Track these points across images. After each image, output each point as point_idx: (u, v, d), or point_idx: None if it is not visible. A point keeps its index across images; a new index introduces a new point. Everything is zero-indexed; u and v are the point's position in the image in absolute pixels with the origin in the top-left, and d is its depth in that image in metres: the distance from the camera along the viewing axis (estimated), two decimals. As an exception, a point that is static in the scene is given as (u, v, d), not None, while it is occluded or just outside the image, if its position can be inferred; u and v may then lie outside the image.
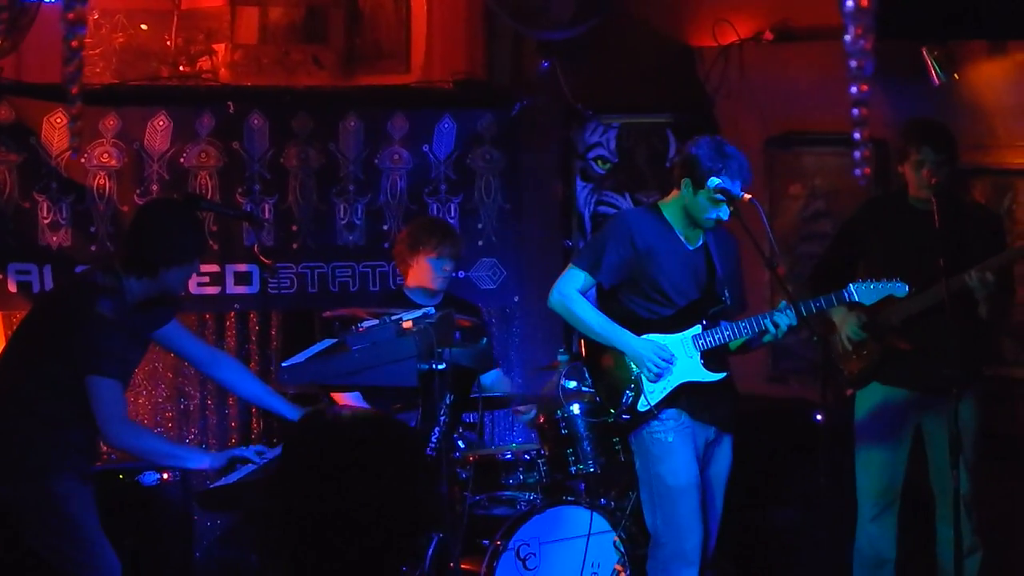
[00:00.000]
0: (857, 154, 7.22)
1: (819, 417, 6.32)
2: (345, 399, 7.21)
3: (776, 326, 6.37)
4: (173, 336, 6.31)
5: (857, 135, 7.22)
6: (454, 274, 7.72)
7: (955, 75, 7.62)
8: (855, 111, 7.06)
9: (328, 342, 6.10)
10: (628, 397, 6.49)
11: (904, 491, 7.22)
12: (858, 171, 7.24)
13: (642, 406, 6.47)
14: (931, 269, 6.66)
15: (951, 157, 6.95)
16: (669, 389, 6.48)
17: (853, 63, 6.90)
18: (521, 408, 7.60)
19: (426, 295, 7.51)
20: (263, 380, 6.68)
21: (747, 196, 6.33)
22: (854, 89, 6.99)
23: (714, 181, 6.31)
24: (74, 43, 6.94)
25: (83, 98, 7.09)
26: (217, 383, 7.01)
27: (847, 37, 6.87)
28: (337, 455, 3.46)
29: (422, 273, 7.53)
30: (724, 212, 6.41)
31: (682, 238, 6.55)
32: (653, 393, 6.46)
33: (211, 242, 7.88)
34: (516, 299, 8.70)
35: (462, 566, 6.73)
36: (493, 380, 7.71)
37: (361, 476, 3.43)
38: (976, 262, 6.80)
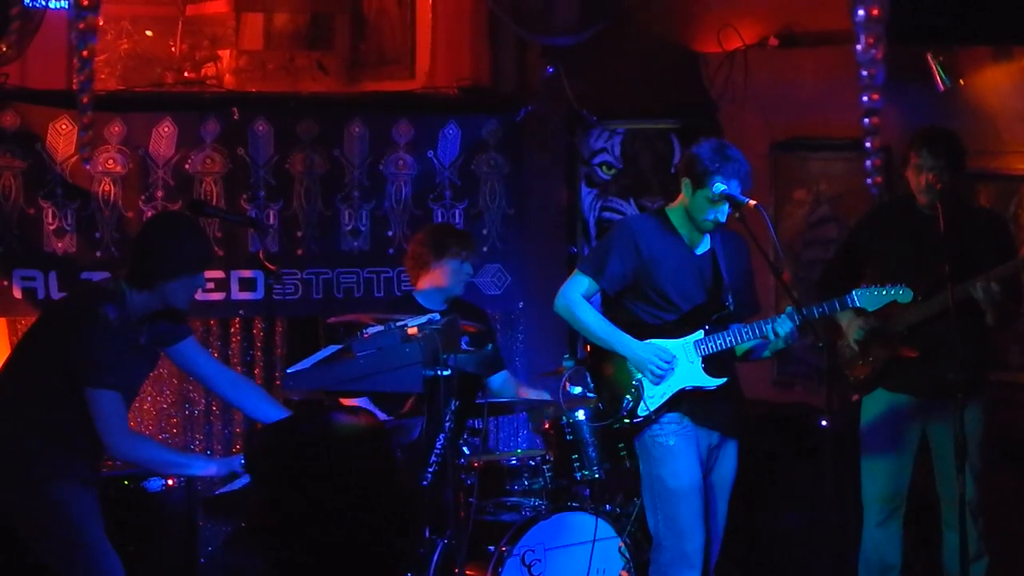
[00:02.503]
0: (868, 163, 7.23)
1: (824, 422, 6.30)
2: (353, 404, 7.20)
3: (777, 333, 6.36)
4: (190, 355, 6.25)
5: (868, 144, 7.24)
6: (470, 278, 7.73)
7: (960, 80, 7.62)
8: (866, 120, 7.07)
9: (333, 348, 6.10)
10: (628, 402, 6.49)
11: (910, 497, 7.21)
12: (870, 180, 7.25)
13: (641, 411, 6.47)
14: (938, 274, 6.65)
15: (951, 163, 6.91)
16: (669, 394, 6.47)
17: (864, 73, 6.91)
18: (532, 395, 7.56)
19: (439, 298, 7.48)
20: (270, 388, 6.66)
21: (752, 202, 6.32)
22: (865, 98, 7.00)
23: (719, 187, 6.31)
24: (85, 53, 6.95)
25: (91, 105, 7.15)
26: (238, 409, 6.97)
27: (858, 47, 6.88)
28: (299, 463, 3.47)
29: (443, 276, 7.47)
30: (722, 214, 6.40)
31: (688, 243, 6.54)
32: (653, 399, 6.46)
33: (216, 248, 7.88)
34: (521, 305, 8.70)
35: (467, 572, 6.72)
36: (501, 382, 7.70)
37: (330, 481, 3.44)
38: (984, 266, 6.79)
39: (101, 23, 7.91)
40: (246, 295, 8.15)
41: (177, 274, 5.90)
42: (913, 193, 7.07)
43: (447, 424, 6.21)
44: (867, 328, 7.07)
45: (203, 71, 9.21)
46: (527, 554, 6.99)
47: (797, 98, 8.52)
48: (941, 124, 7.20)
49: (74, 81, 7.24)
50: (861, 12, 6.88)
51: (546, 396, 7.49)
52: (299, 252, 8.25)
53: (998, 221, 7.31)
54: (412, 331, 5.92)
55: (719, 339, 6.47)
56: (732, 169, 6.33)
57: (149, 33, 9.36)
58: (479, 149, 8.58)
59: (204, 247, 6.20)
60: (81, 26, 6.98)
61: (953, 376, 6.52)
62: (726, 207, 6.36)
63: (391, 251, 8.36)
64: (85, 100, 7.14)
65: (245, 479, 5.99)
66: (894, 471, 7.15)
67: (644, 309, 6.52)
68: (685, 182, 6.45)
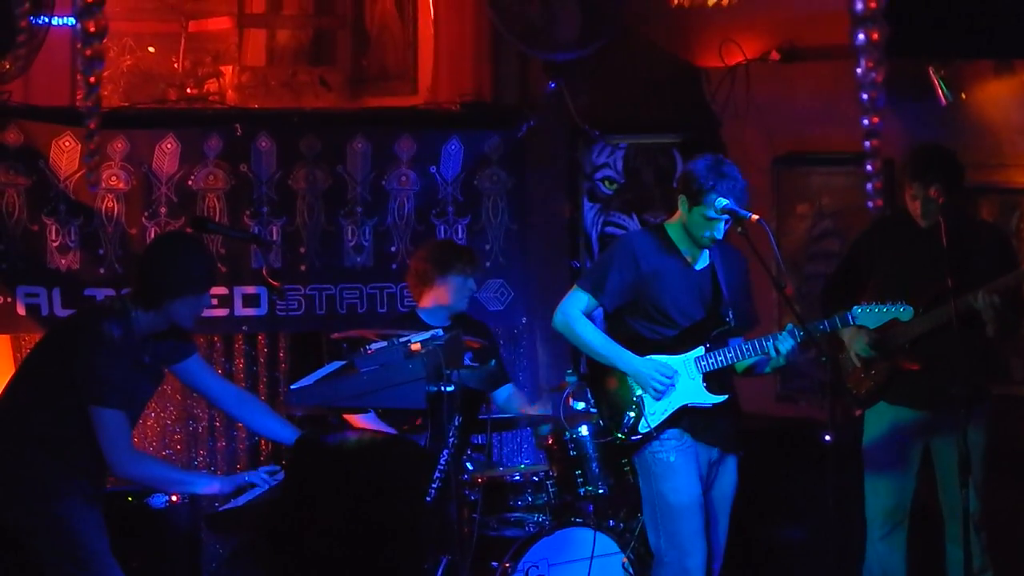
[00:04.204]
0: (869, 186, 7.24)
1: (827, 437, 6.31)
2: (360, 421, 7.20)
3: (778, 351, 6.37)
4: (195, 371, 6.26)
5: (869, 167, 7.25)
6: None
7: (961, 94, 7.62)
8: (867, 143, 7.08)
9: (337, 364, 6.10)
10: (629, 418, 6.50)
11: (913, 510, 7.21)
12: (871, 203, 7.25)
13: (643, 428, 6.48)
14: (939, 287, 6.66)
15: (945, 191, 6.89)
16: (670, 411, 6.48)
17: (865, 95, 6.92)
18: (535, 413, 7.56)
19: (443, 315, 7.48)
20: (273, 405, 6.66)
21: (754, 216, 6.33)
22: (866, 121, 7.01)
23: (721, 201, 6.32)
24: (92, 79, 6.94)
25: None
26: (243, 425, 6.98)
27: (859, 70, 6.90)
28: (339, 479, 3.47)
29: (447, 293, 7.47)
30: (719, 231, 6.42)
31: (687, 258, 6.55)
32: (654, 415, 6.47)
33: (219, 264, 7.88)
34: (524, 320, 8.70)
35: (471, 587, 6.73)
36: (507, 396, 7.69)
37: (362, 499, 3.44)
38: (985, 280, 6.80)
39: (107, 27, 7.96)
40: (250, 311, 8.15)
41: (182, 294, 5.91)
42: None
43: (451, 440, 6.21)
44: (871, 344, 7.06)
45: (206, 87, 9.21)
46: (531, 570, 6.99)
47: (799, 112, 8.53)
48: (935, 142, 7.16)
49: (79, 99, 7.24)
50: (861, 36, 6.89)
51: (548, 413, 7.49)
52: (302, 268, 8.25)
53: (999, 234, 7.32)
54: (415, 347, 5.91)
55: (720, 355, 6.47)
56: (727, 187, 6.33)
57: (152, 49, 9.37)
58: (482, 164, 8.58)
59: (209, 267, 6.20)
60: (88, 52, 6.96)
61: (956, 390, 6.53)
62: (722, 224, 6.38)
63: (394, 267, 8.36)
64: (92, 126, 7.13)
65: (248, 496, 6.00)
66: (897, 485, 7.16)
67: (644, 325, 6.53)
68: (682, 199, 6.47)
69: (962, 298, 6.71)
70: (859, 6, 6.83)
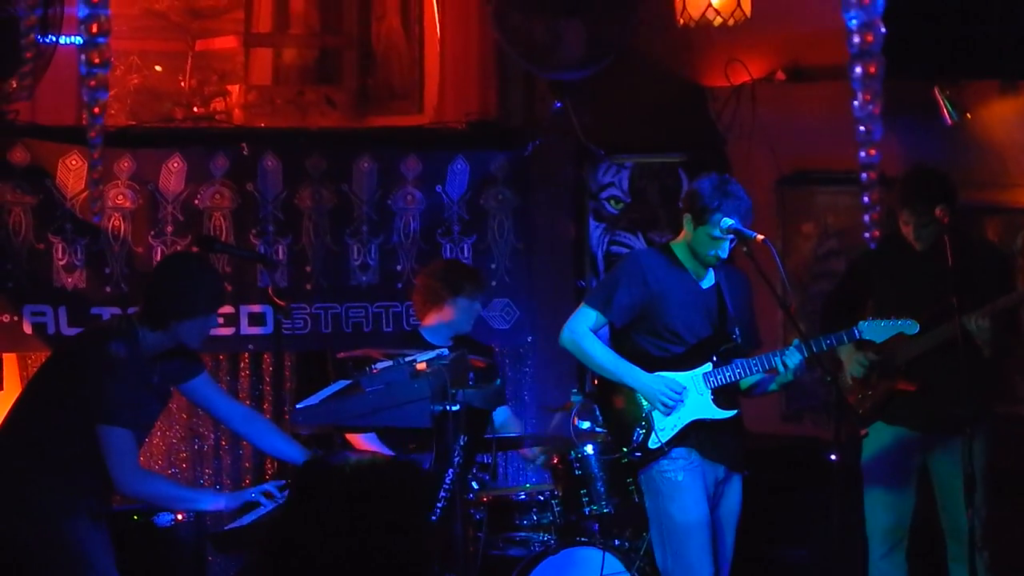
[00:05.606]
0: (867, 218, 7.24)
1: (833, 456, 6.32)
2: (361, 441, 7.20)
3: (786, 365, 6.38)
4: (202, 391, 6.26)
5: (867, 199, 7.25)
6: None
7: (967, 114, 7.63)
8: (864, 176, 7.08)
9: (342, 383, 6.10)
10: (639, 435, 6.51)
11: (915, 528, 7.20)
12: (867, 235, 7.26)
13: (653, 443, 6.48)
14: (937, 307, 6.67)
15: (946, 211, 6.85)
16: (680, 426, 6.49)
17: (862, 128, 6.93)
18: (528, 453, 7.59)
19: (446, 335, 7.47)
20: (279, 423, 6.66)
21: (760, 236, 6.34)
22: (863, 154, 7.01)
23: (727, 221, 6.33)
24: (96, 110, 6.94)
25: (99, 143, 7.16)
26: (250, 443, 6.98)
27: (855, 103, 6.91)
28: (342, 502, 3.46)
29: (454, 313, 7.45)
30: (724, 249, 6.43)
31: (694, 277, 6.57)
32: (664, 431, 6.47)
33: (225, 283, 7.88)
34: (530, 339, 8.70)
35: (476, 607, 6.73)
36: (503, 420, 7.69)
37: (365, 523, 3.43)
38: (983, 300, 6.79)
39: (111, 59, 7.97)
40: (255, 330, 8.15)
41: (191, 315, 5.92)
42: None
43: (456, 459, 6.21)
44: (866, 364, 7.07)
45: (212, 106, 9.23)
46: (536, 589, 6.99)
47: (804, 132, 8.53)
48: (931, 171, 7.11)
49: (83, 120, 7.24)
50: (858, 69, 6.89)
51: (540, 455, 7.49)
52: (308, 287, 8.26)
53: (998, 254, 7.32)
54: (421, 366, 5.92)
55: (728, 371, 6.49)
56: (732, 206, 6.35)
57: (158, 68, 9.40)
58: (487, 184, 8.58)
59: (217, 288, 6.21)
60: (92, 83, 6.96)
61: (961, 410, 6.53)
62: (727, 243, 6.40)
63: (400, 285, 8.37)
64: (96, 155, 7.14)
65: (254, 514, 6.01)
66: (895, 503, 7.15)
67: (651, 342, 6.54)
68: (687, 218, 6.48)
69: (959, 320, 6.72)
70: (856, 40, 6.82)
